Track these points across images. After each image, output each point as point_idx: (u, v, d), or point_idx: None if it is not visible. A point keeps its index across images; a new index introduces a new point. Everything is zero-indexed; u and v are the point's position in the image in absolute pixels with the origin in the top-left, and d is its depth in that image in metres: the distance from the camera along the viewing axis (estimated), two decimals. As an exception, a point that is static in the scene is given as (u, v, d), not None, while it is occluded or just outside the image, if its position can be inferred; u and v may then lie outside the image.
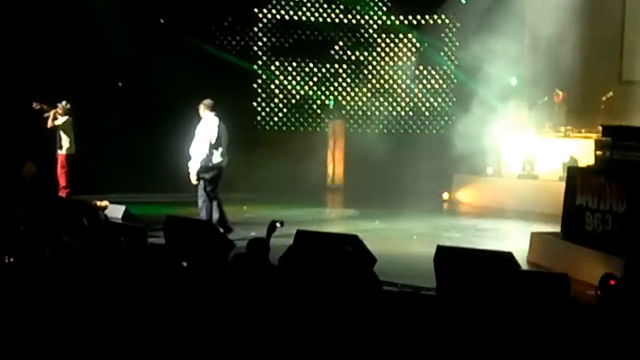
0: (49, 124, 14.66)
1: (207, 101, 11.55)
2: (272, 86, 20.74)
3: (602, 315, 6.24)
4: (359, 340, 5.66)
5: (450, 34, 20.67)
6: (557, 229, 10.47)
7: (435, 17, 20.58)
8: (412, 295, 7.50)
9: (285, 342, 5.57)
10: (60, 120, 14.70)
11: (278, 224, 7.95)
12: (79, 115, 15.09)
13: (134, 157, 17.44)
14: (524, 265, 9.47)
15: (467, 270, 6.83)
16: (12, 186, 12.96)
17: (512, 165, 16.53)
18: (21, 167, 15.86)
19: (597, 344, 5.51)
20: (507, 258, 7.12)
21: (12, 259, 7.26)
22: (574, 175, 10.46)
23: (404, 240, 11.65)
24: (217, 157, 11.35)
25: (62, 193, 14.42)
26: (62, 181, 14.62)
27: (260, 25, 20.59)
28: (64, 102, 14.76)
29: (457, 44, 20.41)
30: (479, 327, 5.77)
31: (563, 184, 10.65)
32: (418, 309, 6.28)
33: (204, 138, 11.27)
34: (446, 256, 7.34)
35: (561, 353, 5.55)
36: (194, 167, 11.28)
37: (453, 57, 20.60)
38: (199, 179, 11.33)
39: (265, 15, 20.63)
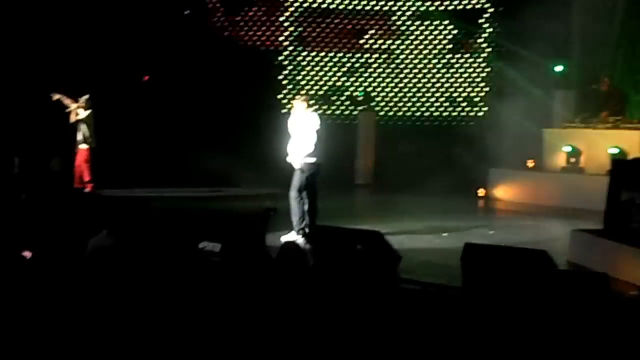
0: (72, 118, 14.86)
1: (307, 97, 11.73)
2: (299, 77, 20.60)
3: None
4: (378, 339, 5.57)
5: (490, 19, 20.29)
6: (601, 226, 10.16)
7: (473, 1, 20.25)
8: (435, 294, 7.31)
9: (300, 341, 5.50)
10: (83, 114, 14.86)
11: (271, 212, 7.82)
12: (100, 109, 15.16)
13: (155, 151, 17.52)
14: (564, 265, 9.23)
15: (496, 269, 6.62)
16: (44, 182, 13.28)
17: (556, 158, 16.15)
18: (48, 162, 16.02)
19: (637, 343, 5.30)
20: (541, 256, 6.88)
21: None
22: (620, 168, 10.18)
23: (433, 238, 11.42)
24: (318, 154, 11.31)
25: (88, 187, 14.62)
26: (87, 175, 14.80)
27: (287, 14, 20.47)
28: (86, 96, 14.88)
29: (497, 29, 20.05)
30: (508, 328, 5.58)
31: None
32: (441, 309, 6.13)
33: (309, 134, 11.24)
34: (475, 254, 7.13)
35: (599, 355, 5.36)
36: (299, 162, 11.26)
37: (492, 44, 20.22)
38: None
39: (292, 4, 20.50)
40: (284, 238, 10.55)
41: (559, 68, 17.36)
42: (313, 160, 11.26)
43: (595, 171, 14.92)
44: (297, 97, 11.83)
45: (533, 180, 16.06)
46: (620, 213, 9.61)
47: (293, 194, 11.29)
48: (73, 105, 14.82)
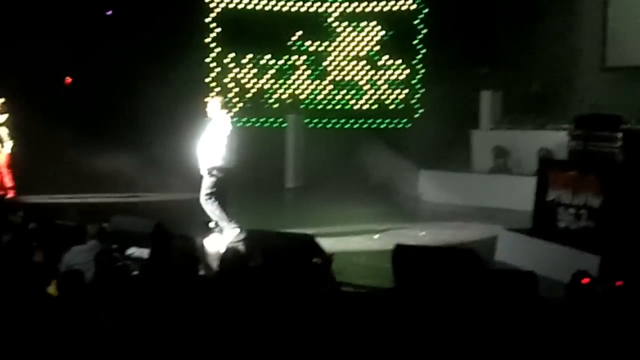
0: None
1: (222, 99, 11.75)
2: (226, 80, 20.63)
3: (572, 314, 6.24)
4: (313, 340, 5.71)
5: (422, 22, 20.52)
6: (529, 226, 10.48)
7: (402, 3, 20.52)
8: (368, 295, 7.49)
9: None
10: (2, 117, 14.63)
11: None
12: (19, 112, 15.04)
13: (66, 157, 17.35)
14: (493, 265, 9.52)
15: (427, 269, 6.84)
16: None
17: (483, 159, 16.54)
18: None
19: (565, 343, 5.52)
20: (470, 255, 7.14)
21: None
22: (546, 168, 10.51)
23: (364, 240, 11.63)
24: (228, 159, 11.37)
25: (11, 194, 14.41)
26: (11, 181, 14.57)
27: (213, 15, 20.51)
28: (1, 100, 14.69)
29: (428, 31, 20.31)
30: (438, 327, 5.76)
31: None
32: (374, 309, 6.29)
33: (221, 138, 11.29)
34: (405, 255, 7.35)
35: (528, 353, 5.56)
36: (207, 166, 11.31)
37: (422, 46, 20.52)
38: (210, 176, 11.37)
39: (217, 5, 20.54)
40: (209, 240, 10.66)
41: (483, 70, 17.82)
42: (222, 164, 11.31)
43: (522, 172, 15.33)
44: (210, 96, 11.80)
45: (462, 181, 16.42)
46: (548, 212, 9.96)
47: (203, 198, 11.38)
48: None
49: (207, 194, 11.35)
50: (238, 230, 11.15)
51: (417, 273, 6.90)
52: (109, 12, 19.57)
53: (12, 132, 14.78)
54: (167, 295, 6.25)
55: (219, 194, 11.39)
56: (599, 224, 9.33)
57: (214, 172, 11.30)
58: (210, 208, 11.37)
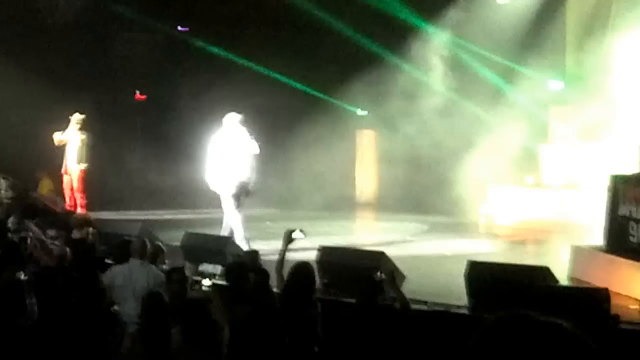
0: (62, 138, 14.74)
1: (240, 115, 11.89)
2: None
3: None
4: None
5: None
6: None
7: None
8: (441, 313, 7.64)
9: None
10: (79, 134, 14.76)
11: (299, 235, 7.93)
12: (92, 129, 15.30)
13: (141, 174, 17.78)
14: (566, 281, 9.58)
15: (501, 286, 6.99)
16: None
17: (554, 174, 16.54)
18: (34, 183, 16.16)
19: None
20: (543, 273, 7.28)
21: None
22: (617, 183, 10.50)
23: (436, 259, 11.77)
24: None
25: (81, 210, 14.58)
26: (84, 198, 14.74)
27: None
28: (78, 115, 14.84)
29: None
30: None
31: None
32: (448, 328, 6.46)
33: (248, 152, 11.61)
34: (479, 272, 7.51)
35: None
36: (235, 182, 11.59)
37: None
38: (239, 195, 11.66)
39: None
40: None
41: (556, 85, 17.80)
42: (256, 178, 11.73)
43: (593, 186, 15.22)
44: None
45: (532, 196, 16.43)
46: (620, 228, 9.96)
47: (236, 216, 11.69)
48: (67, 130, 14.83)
49: (236, 210, 11.65)
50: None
51: (490, 291, 7.03)
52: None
53: (90, 151, 14.95)
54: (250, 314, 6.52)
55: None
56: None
57: (250, 186, 11.64)
58: (238, 225, 11.66)
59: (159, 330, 5.73)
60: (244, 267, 7.37)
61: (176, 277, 7.35)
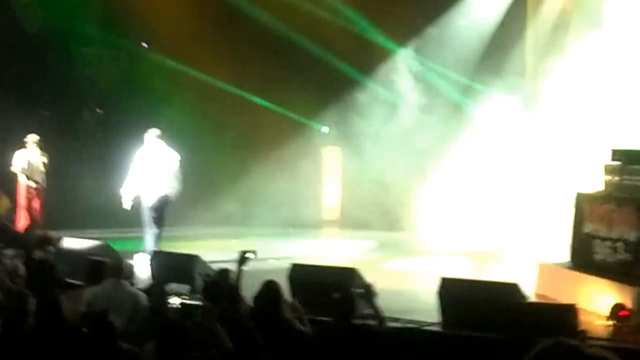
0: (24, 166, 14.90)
1: (157, 130, 12.51)
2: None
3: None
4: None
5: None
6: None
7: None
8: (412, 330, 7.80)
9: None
10: (39, 154, 14.98)
11: (251, 255, 8.14)
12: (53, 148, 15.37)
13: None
14: (533, 298, 9.81)
15: (472, 303, 7.19)
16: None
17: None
18: None
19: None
20: (512, 289, 7.50)
21: None
22: (582, 201, 10.74)
23: (404, 275, 11.95)
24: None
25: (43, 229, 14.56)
26: (41, 217, 14.96)
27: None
28: (34, 136, 15.00)
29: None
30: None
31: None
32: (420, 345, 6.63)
33: (169, 167, 12.20)
34: (450, 288, 7.71)
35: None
36: (157, 196, 12.10)
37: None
38: (160, 210, 12.20)
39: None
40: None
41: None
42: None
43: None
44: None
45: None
46: (585, 245, 10.22)
47: (160, 228, 12.41)
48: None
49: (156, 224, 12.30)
50: None
51: (462, 306, 7.23)
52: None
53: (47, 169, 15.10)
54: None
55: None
56: (635, 257, 9.58)
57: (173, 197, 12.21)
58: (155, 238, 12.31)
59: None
60: (220, 287, 7.47)
61: (157, 292, 7.46)
